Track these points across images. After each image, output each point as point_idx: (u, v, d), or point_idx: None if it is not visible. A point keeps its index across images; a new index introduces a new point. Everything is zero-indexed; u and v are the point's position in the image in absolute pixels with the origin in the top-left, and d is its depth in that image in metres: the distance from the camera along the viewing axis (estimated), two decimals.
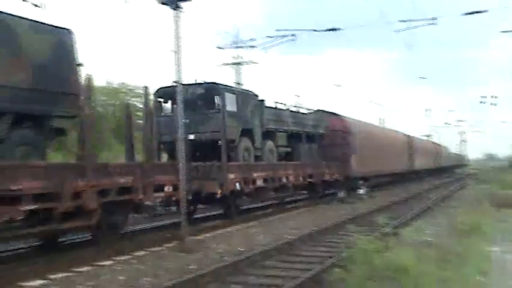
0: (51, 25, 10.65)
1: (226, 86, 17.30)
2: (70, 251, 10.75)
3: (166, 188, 12.19)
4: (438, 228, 13.63)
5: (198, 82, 16.23)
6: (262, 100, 18.76)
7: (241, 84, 45.50)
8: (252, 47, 26.03)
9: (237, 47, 35.18)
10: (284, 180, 18.43)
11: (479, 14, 17.94)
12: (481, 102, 62.36)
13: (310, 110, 24.50)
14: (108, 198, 10.30)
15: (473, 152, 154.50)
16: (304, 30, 21.45)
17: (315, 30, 20.90)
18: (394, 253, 6.59)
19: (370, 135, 29.09)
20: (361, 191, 25.31)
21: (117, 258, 10.14)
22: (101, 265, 9.58)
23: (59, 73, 10.60)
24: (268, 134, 18.87)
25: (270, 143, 18.92)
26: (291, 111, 21.59)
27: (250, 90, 18.86)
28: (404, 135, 41.00)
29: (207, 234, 13.08)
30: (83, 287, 8.11)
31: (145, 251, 10.98)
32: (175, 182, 11.92)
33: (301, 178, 19.91)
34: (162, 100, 16.56)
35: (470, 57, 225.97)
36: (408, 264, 6.13)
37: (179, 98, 11.58)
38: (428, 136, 73.99)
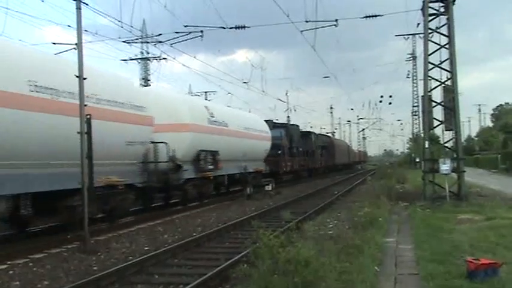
0: (296, 125, 43.40)
1: (312, 132, 49.29)
2: None
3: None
4: (339, 222, 14.25)
5: (305, 130, 47.00)
6: (317, 134, 50.31)
7: (149, 80, 44.69)
8: (159, 42, 25.64)
9: (142, 42, 34.43)
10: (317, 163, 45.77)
11: (376, 17, 19.08)
12: (380, 102, 66.25)
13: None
14: None
15: (373, 149, 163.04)
16: (212, 27, 21.54)
17: (223, 28, 21.05)
18: (297, 247, 6.78)
19: (339, 144, 61.20)
20: (267, 187, 25.82)
21: (12, 261, 9.56)
22: None
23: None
24: (317, 147, 45.27)
25: (319, 151, 45.68)
26: (320, 135, 52.78)
27: (314, 131, 51.86)
28: (346, 143, 76.35)
29: (111, 234, 12.71)
30: None
31: (44, 253, 10.46)
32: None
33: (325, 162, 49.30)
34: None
35: (369, 58, 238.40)
36: (309, 257, 6.34)
37: (81, 94, 11.12)
38: (333, 133, 77.38)
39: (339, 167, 59.51)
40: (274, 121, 36.32)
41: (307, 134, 43.43)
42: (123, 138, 14.16)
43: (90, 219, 11.13)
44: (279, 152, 31.44)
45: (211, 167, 19.68)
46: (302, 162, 38.14)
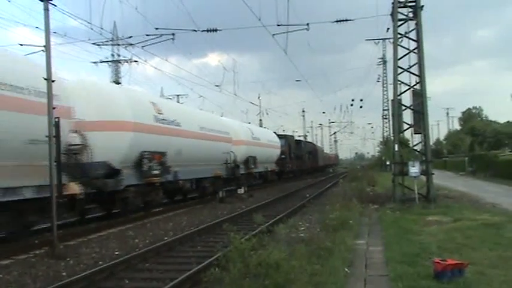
0: (292, 135, 56.08)
1: (302, 140, 60.56)
2: None
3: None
4: (311, 224, 14.35)
5: (298, 139, 56.79)
6: (305, 141, 62.92)
7: (120, 83, 44.17)
8: (130, 44, 25.47)
9: (113, 44, 34.07)
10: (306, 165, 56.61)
11: (347, 22, 19.31)
12: (351, 105, 66.92)
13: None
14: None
15: (344, 152, 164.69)
16: (183, 30, 21.52)
17: (195, 31, 21.05)
18: (268, 250, 6.81)
19: (320, 150, 74.54)
20: (240, 191, 25.80)
21: None
22: None
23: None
24: (306, 152, 55.37)
25: (308, 155, 56.15)
26: (307, 142, 64.53)
27: (306, 140, 70.01)
28: (322, 148, 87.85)
29: (80, 239, 12.52)
30: None
31: (11, 259, 10.23)
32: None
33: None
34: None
35: (340, 62, 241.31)
36: (280, 260, 6.37)
37: (49, 96, 10.93)
38: (305, 137, 77.94)
39: (320, 168, 71.01)
40: (278, 133, 47.50)
41: (298, 142, 54.16)
42: (222, 150, 25.46)
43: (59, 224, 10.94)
44: (283, 156, 42.24)
45: (253, 166, 31.62)
46: (297, 164, 49.67)
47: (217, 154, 24.62)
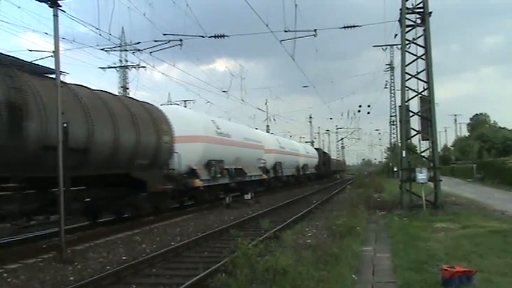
0: (321, 148, 76.21)
1: (325, 151, 76.97)
2: None
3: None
4: (318, 230, 14.31)
5: (324, 151, 76.03)
6: (326, 152, 78.09)
7: (128, 88, 44.42)
8: (138, 50, 25.57)
9: (121, 50, 34.24)
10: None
11: (355, 28, 19.30)
12: (358, 111, 66.75)
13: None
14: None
15: (351, 158, 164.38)
16: (191, 36, 21.58)
17: (202, 37, 21.09)
18: (275, 256, 6.80)
19: (332, 158, 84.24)
20: (247, 196, 25.79)
21: None
22: None
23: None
24: (326, 160, 69.12)
25: (328, 162, 70.14)
26: (325, 152, 75.67)
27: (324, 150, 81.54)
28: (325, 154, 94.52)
29: (88, 244, 12.56)
30: None
31: (19, 263, 10.28)
32: None
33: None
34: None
35: (348, 68, 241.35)
36: (287, 266, 6.37)
37: (59, 100, 11.01)
38: (312, 143, 78.04)
39: (332, 172, 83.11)
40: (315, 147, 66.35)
41: (324, 153, 70.36)
42: (295, 160, 45.87)
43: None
44: (317, 164, 58.90)
45: (306, 170, 50.22)
46: (324, 169, 64.92)
47: (294, 163, 44.79)
